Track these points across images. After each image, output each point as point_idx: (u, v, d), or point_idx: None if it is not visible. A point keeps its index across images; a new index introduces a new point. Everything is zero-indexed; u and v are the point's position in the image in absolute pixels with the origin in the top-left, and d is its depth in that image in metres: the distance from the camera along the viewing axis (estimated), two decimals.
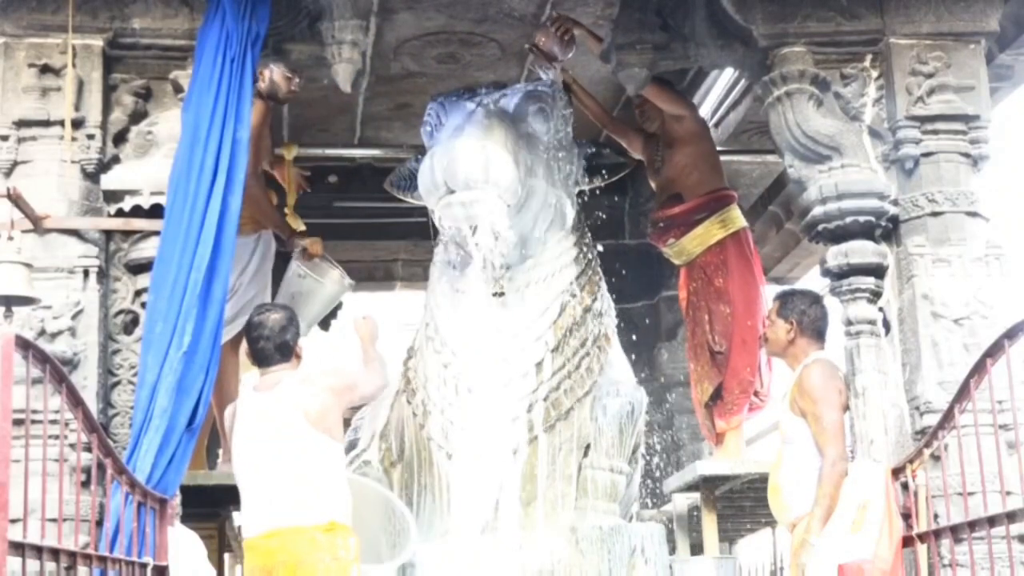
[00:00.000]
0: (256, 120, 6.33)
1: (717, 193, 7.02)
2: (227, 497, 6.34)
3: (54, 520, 4.10)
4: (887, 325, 5.56)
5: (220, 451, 6.82)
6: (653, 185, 7.34)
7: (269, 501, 4.85)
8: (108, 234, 5.39)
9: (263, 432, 4.91)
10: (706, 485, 6.84)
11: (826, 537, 4.97)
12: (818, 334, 5.42)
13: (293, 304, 6.28)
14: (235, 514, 6.95)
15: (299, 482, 4.81)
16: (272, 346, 5.03)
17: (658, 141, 7.15)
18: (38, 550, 3.84)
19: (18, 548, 3.67)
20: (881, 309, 5.57)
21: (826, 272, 5.67)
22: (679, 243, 7.07)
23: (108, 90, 5.50)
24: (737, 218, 7.04)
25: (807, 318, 5.40)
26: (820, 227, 5.64)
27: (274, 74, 6.39)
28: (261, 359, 5.06)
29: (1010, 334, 4.29)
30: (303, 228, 7.08)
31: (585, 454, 6.08)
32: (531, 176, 5.98)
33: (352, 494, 4.98)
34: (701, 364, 7.09)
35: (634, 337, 8.56)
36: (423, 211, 6.18)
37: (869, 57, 5.76)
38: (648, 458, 7.73)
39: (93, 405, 4.99)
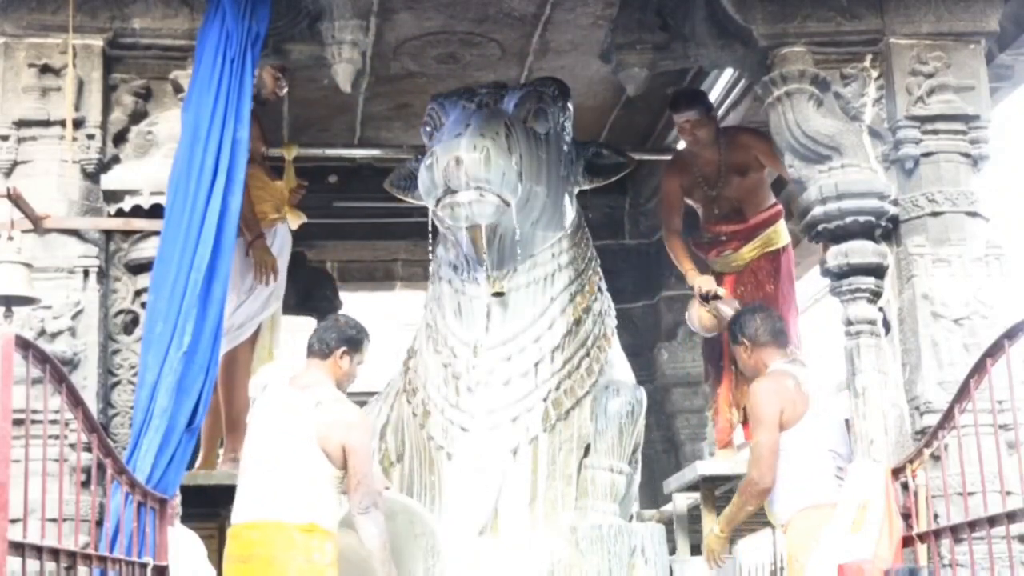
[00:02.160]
0: None
1: (773, 209, 7.15)
2: (227, 497, 6.34)
3: (54, 520, 4.10)
4: (887, 325, 5.55)
5: (220, 451, 6.83)
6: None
7: (259, 492, 4.91)
8: (108, 234, 5.38)
9: (275, 426, 4.99)
10: (706, 485, 6.84)
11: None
12: (769, 339, 5.54)
13: None
14: None
15: (287, 480, 4.87)
16: (315, 338, 5.17)
17: (694, 162, 7.11)
18: (38, 550, 3.84)
19: (18, 548, 3.67)
20: (881, 309, 5.56)
21: (826, 272, 5.67)
22: (737, 254, 7.11)
23: (108, 90, 5.49)
24: (785, 232, 7.16)
25: (748, 331, 5.56)
26: (820, 227, 5.63)
27: (263, 70, 6.36)
28: (306, 348, 5.20)
29: (1010, 334, 4.29)
30: (304, 220, 7.06)
31: (585, 454, 6.08)
32: (531, 176, 5.98)
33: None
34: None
35: (634, 337, 8.58)
36: (423, 211, 6.18)
37: (869, 57, 5.75)
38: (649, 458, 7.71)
39: (93, 405, 4.98)
